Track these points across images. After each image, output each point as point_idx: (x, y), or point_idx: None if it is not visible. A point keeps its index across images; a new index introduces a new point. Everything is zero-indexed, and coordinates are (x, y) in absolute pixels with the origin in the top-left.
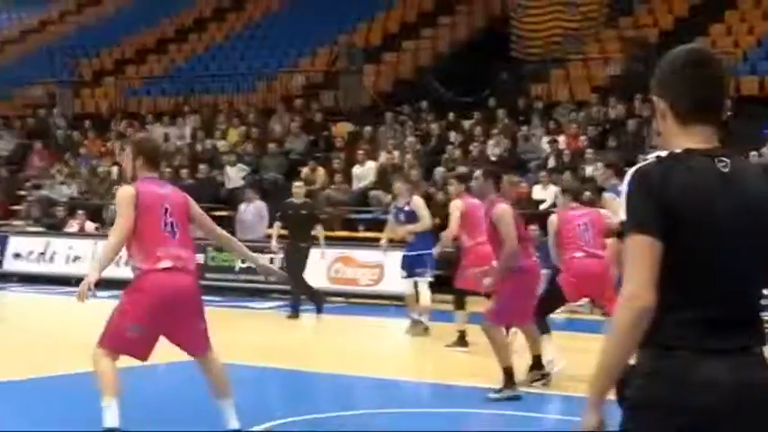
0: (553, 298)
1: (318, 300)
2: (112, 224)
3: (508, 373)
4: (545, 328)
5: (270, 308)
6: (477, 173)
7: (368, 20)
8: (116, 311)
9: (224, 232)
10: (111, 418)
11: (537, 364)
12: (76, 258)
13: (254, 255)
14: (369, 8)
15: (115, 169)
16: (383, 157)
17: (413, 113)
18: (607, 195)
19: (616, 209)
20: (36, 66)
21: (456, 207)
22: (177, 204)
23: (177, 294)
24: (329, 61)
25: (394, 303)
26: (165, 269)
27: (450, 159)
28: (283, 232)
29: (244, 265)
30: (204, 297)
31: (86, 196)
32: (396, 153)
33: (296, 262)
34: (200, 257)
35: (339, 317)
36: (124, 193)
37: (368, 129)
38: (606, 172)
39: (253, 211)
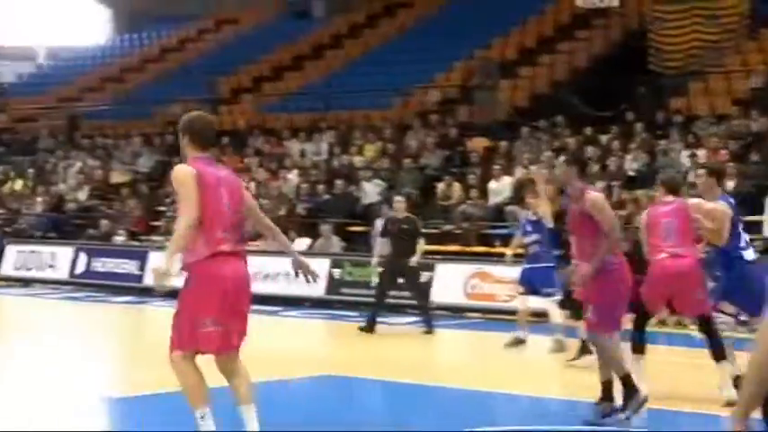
0: (639, 310)
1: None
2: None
3: (628, 382)
4: (639, 348)
5: (406, 323)
6: (560, 160)
7: (504, 35)
8: (182, 309)
9: (270, 222)
10: (208, 428)
11: (608, 392)
12: None
13: (293, 249)
14: (505, 23)
15: (252, 185)
16: (519, 172)
17: (549, 128)
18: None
19: (713, 215)
20: (175, 83)
21: None
22: (235, 188)
23: (239, 281)
24: (465, 76)
25: (532, 319)
26: (224, 254)
27: (587, 174)
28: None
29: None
30: (340, 312)
31: None
32: (532, 168)
33: (394, 276)
34: (336, 272)
35: (477, 332)
36: (184, 172)
37: (503, 144)
38: (708, 180)
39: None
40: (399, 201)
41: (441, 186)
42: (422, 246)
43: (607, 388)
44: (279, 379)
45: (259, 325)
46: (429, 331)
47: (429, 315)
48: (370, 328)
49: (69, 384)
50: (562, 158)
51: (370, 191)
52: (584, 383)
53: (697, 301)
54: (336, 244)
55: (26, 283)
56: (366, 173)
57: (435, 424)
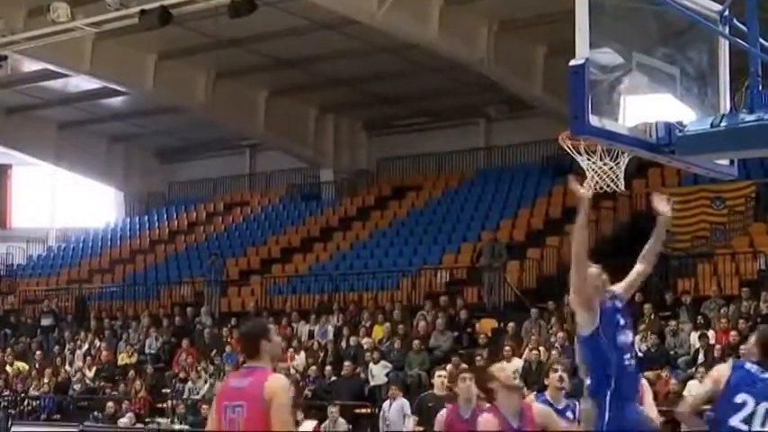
0: None
1: None
2: None
3: None
4: None
5: None
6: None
7: (512, 216)
8: None
9: None
10: None
11: None
12: None
13: None
14: (513, 205)
15: None
16: (528, 353)
17: (558, 310)
18: None
19: None
20: (184, 265)
21: None
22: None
23: None
24: (473, 257)
25: None
26: None
27: None
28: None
29: None
30: None
31: None
32: (541, 349)
33: None
34: None
35: None
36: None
37: (512, 325)
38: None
39: (396, 407)
40: (441, 376)
41: (449, 368)
42: None
43: None
44: None
45: None
46: None
47: None
48: None
49: None
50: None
51: (378, 372)
52: None
53: None
54: (343, 426)
55: None
56: (374, 354)
57: None
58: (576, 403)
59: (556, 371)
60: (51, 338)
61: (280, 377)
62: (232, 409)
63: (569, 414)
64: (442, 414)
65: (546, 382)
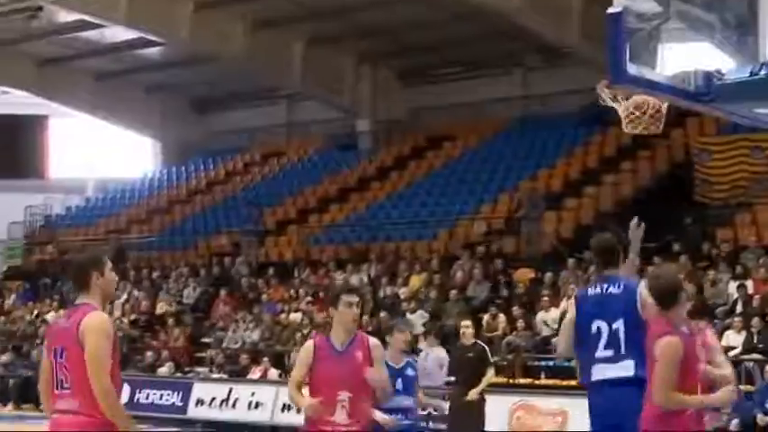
0: None
1: None
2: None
3: None
4: None
5: None
6: None
7: (549, 167)
8: None
9: None
10: None
11: None
12: (258, 405)
13: None
14: (550, 155)
15: (298, 316)
16: (565, 303)
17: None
18: None
19: None
20: (221, 215)
21: None
22: None
23: None
24: (510, 208)
25: None
26: None
27: None
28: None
29: None
30: None
31: (269, 343)
32: None
33: (463, 417)
34: None
35: None
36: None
37: (549, 275)
38: None
39: (433, 357)
40: (466, 325)
41: (486, 318)
42: (489, 376)
43: None
44: None
45: None
46: None
47: None
48: None
49: None
50: None
51: (415, 322)
52: None
53: None
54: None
55: None
56: (410, 304)
57: None
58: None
59: (402, 332)
60: None
61: (97, 314)
62: (59, 353)
63: (410, 371)
64: None
65: (388, 341)
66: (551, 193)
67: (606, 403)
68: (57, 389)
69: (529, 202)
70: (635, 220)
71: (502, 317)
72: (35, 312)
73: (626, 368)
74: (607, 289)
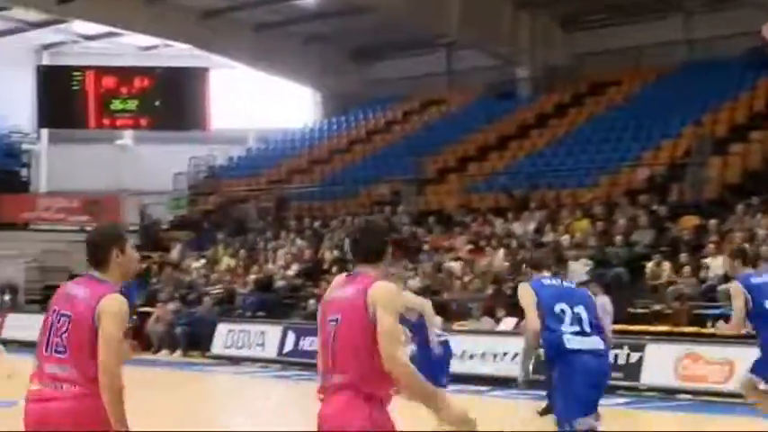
0: None
1: None
2: None
3: None
4: None
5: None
6: None
7: (714, 111)
8: None
9: None
10: None
11: None
12: None
13: None
14: (715, 99)
15: (458, 265)
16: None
17: (763, 205)
18: None
19: None
20: (381, 164)
21: None
22: None
23: None
24: (674, 154)
25: (744, 402)
26: None
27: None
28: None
29: None
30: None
31: (434, 289)
32: (746, 246)
33: None
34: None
35: (688, 415)
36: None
37: (714, 222)
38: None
39: (598, 305)
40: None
41: (650, 265)
42: None
43: None
44: None
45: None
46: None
47: None
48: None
49: None
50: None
51: (578, 270)
52: None
53: None
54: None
55: (235, 361)
56: (573, 252)
57: None
58: None
59: None
60: (253, 238)
61: (117, 298)
62: (62, 319)
63: None
64: None
65: None
66: (717, 139)
67: None
68: (46, 351)
69: (695, 147)
70: None
71: (666, 264)
72: (201, 261)
73: None
74: None
